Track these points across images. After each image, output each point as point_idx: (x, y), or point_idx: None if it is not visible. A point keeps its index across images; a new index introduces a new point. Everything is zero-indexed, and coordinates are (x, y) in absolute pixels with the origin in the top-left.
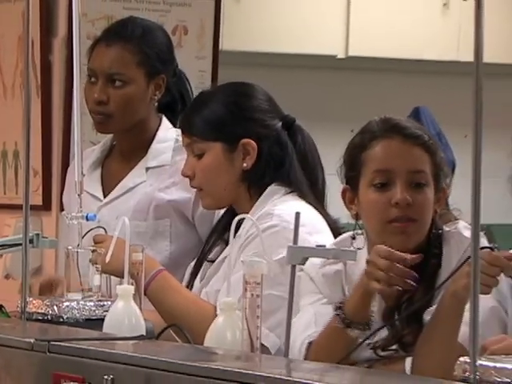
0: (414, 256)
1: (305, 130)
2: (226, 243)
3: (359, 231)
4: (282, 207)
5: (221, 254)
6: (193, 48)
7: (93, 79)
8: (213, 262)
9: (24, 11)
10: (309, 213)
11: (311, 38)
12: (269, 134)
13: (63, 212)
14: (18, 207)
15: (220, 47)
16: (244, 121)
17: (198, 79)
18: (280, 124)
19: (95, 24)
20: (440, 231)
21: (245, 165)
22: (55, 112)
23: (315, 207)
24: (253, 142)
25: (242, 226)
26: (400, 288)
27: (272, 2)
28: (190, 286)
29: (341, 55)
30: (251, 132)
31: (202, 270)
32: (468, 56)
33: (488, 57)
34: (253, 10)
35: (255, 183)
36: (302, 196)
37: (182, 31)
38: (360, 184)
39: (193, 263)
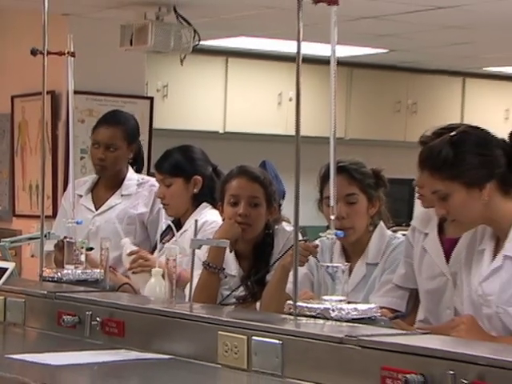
0: None
1: (221, 172)
2: (172, 235)
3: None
4: (211, 216)
5: (170, 240)
6: None
7: (96, 146)
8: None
9: (41, 106)
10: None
11: (203, 120)
12: (207, 173)
13: (63, 219)
14: (38, 216)
15: (153, 126)
16: (195, 166)
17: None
18: (211, 169)
19: (82, 113)
20: (271, 231)
21: (195, 191)
22: (59, 162)
23: None
24: (199, 177)
25: (185, 224)
26: None
27: (182, 101)
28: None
29: (221, 131)
30: (199, 172)
31: (158, 248)
32: (292, 131)
33: (303, 131)
34: (172, 105)
35: (198, 201)
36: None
37: None
38: (224, 202)
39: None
